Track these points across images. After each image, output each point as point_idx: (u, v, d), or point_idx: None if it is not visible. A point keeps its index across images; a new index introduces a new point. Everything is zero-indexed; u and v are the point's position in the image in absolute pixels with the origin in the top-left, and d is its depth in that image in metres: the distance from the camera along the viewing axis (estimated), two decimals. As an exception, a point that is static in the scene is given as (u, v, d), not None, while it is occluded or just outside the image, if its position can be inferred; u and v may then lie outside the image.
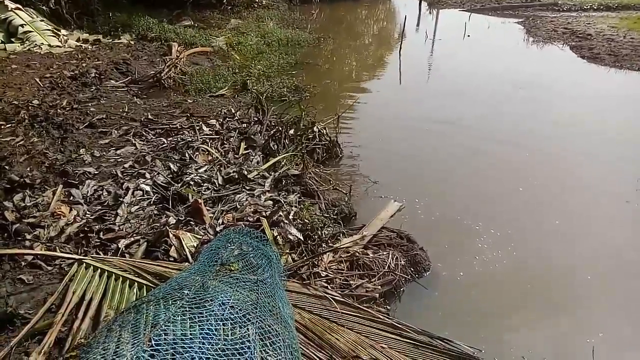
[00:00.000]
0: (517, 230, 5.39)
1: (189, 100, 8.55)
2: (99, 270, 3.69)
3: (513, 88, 10.82)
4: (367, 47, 16.39)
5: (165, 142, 6.41)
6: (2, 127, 6.37)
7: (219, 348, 2.37)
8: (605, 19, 18.99)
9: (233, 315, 2.66)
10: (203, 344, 2.36)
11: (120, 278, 3.62)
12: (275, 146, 6.51)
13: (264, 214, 4.73)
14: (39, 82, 8.35)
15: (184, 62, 10.69)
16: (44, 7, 12.71)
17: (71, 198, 4.84)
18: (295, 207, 5.03)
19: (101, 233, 4.33)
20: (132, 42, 12.47)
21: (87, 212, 4.63)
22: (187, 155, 5.95)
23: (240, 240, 3.81)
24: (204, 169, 5.62)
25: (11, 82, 8.23)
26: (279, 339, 2.62)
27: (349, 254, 4.48)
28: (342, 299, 3.70)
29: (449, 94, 10.42)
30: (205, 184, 5.31)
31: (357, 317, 3.52)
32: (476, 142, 7.79)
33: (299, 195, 5.41)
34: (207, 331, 2.47)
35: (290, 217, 4.75)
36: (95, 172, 5.43)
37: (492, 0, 25.04)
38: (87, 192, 4.99)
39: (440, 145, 7.71)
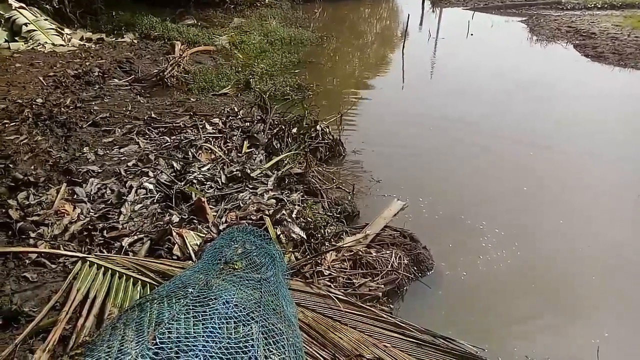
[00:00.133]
0: (521, 229, 5.38)
1: (192, 99, 8.55)
2: (102, 269, 3.71)
3: (516, 87, 10.79)
4: (370, 45, 16.37)
5: (169, 140, 6.41)
6: (7, 125, 6.39)
7: (223, 346, 2.37)
8: (609, 18, 18.91)
9: (237, 313, 2.66)
10: (207, 342, 2.37)
11: (124, 276, 3.63)
12: (278, 145, 6.51)
13: (267, 212, 4.73)
14: (43, 81, 8.37)
15: (187, 61, 10.69)
16: (47, 6, 12.73)
17: (75, 196, 4.85)
18: (298, 205, 5.03)
19: (105, 231, 4.34)
20: (135, 41, 12.48)
21: (91, 211, 4.64)
22: (190, 153, 5.96)
23: (244, 239, 3.81)
24: (207, 167, 5.63)
25: (15, 81, 8.25)
26: (283, 338, 2.62)
27: (352, 253, 4.48)
28: (345, 298, 3.70)
29: (452, 92, 10.39)
30: (209, 183, 5.32)
31: (360, 316, 3.51)
32: (480, 140, 7.77)
33: (301, 193, 5.41)
34: (211, 329, 2.47)
35: (293, 215, 4.76)
36: (99, 171, 5.44)
37: (495, -2, 24.95)
38: (91, 190, 5.00)
39: (443, 143, 7.70)
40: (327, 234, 4.65)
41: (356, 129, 8.11)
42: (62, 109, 7.12)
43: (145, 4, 15.50)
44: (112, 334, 2.55)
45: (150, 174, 5.40)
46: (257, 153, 6.25)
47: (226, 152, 6.18)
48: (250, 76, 9.98)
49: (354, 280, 4.19)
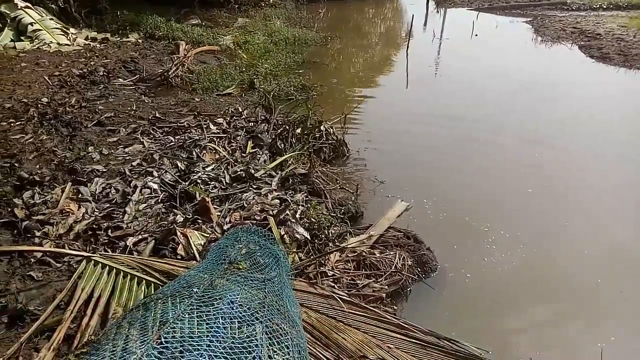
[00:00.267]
0: (526, 231, 5.34)
1: (196, 99, 8.57)
2: (107, 268, 3.72)
3: (521, 87, 10.75)
4: (374, 46, 16.36)
5: (173, 140, 6.43)
6: (12, 124, 6.42)
7: (227, 346, 2.38)
8: (614, 19, 18.82)
9: (241, 313, 2.67)
10: (211, 341, 2.37)
11: (129, 275, 3.65)
12: (282, 145, 6.52)
13: (271, 212, 4.74)
14: (48, 80, 8.41)
15: (191, 61, 10.72)
16: (53, 6, 12.78)
17: (80, 195, 4.87)
18: (302, 206, 5.04)
19: (109, 230, 4.36)
20: (140, 41, 12.51)
21: (96, 210, 4.66)
22: (194, 153, 5.97)
23: (248, 239, 3.82)
24: (211, 167, 5.64)
25: (21, 80, 8.29)
26: (287, 338, 2.63)
27: (356, 254, 4.48)
28: (349, 299, 3.70)
29: (457, 93, 10.37)
30: (213, 183, 5.33)
31: (364, 317, 3.51)
32: (484, 141, 7.76)
33: (305, 194, 5.41)
34: (216, 329, 2.48)
35: (297, 216, 4.76)
36: (104, 170, 5.46)
37: (500, -1, 24.89)
38: (96, 189, 5.02)
39: (447, 144, 7.68)
40: (330, 235, 4.65)
41: (360, 130, 8.11)
42: (67, 108, 7.15)
43: (150, 4, 15.54)
44: (117, 333, 2.56)
45: (155, 173, 5.42)
46: (261, 153, 6.26)
47: (230, 152, 6.19)
48: (255, 76, 9.99)
49: (358, 281, 4.19)
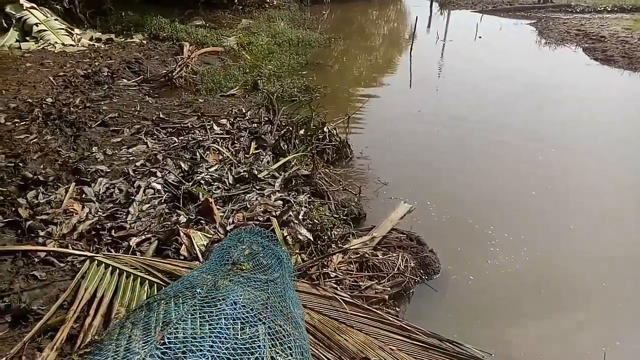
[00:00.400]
0: (530, 234, 5.32)
1: (200, 100, 8.59)
2: (110, 268, 3.73)
3: (525, 90, 10.74)
4: (378, 47, 16.37)
5: (177, 141, 6.44)
6: (17, 124, 6.45)
7: (230, 347, 2.38)
8: (619, 21, 18.78)
9: (244, 314, 2.67)
10: (214, 342, 2.37)
11: (132, 276, 3.65)
12: (286, 146, 6.52)
13: (274, 213, 4.74)
14: (53, 81, 8.45)
15: (195, 62, 10.75)
16: (58, 7, 12.85)
17: (83, 196, 4.88)
18: (305, 207, 5.04)
19: (113, 231, 4.36)
20: (144, 42, 12.56)
21: (99, 210, 4.67)
22: (197, 154, 5.98)
23: (251, 240, 3.82)
24: (214, 168, 5.65)
25: (26, 81, 8.34)
26: (290, 339, 2.63)
27: (359, 255, 4.47)
28: (351, 300, 3.70)
29: (460, 95, 10.37)
30: (216, 183, 5.34)
31: (366, 319, 3.51)
32: (487, 143, 7.75)
33: (308, 195, 5.41)
34: (219, 330, 2.48)
35: (300, 217, 4.76)
36: (107, 170, 5.48)
37: (504, 1, 24.90)
38: (99, 190, 5.03)
39: (451, 146, 7.67)
40: (333, 236, 4.64)
41: (363, 131, 8.11)
42: (72, 108, 7.18)
43: (154, 5, 15.60)
44: (120, 333, 2.57)
45: (158, 174, 5.43)
46: (264, 154, 6.26)
47: (234, 153, 6.19)
48: (258, 77, 10.01)
49: (360, 283, 4.18)
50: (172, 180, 5.29)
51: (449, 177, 6.69)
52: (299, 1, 21.32)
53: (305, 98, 9.09)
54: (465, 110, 9.24)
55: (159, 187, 5.15)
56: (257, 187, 5.32)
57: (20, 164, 5.32)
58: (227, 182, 5.38)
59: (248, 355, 2.39)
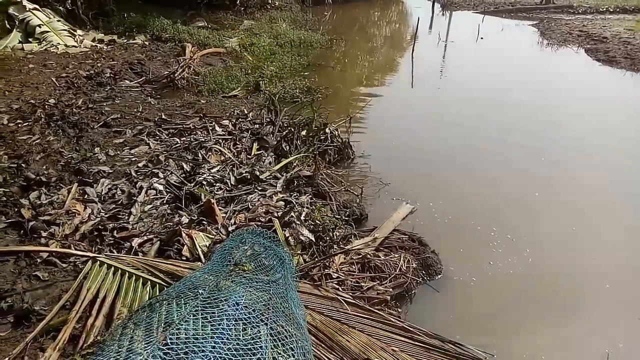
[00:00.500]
0: (533, 236, 5.29)
1: (202, 101, 8.60)
2: (112, 268, 3.73)
3: (527, 91, 10.73)
4: (380, 48, 16.38)
5: (179, 142, 6.46)
6: (20, 125, 6.47)
7: (232, 348, 2.38)
8: (621, 22, 18.76)
9: (246, 315, 2.67)
10: (216, 343, 2.38)
11: (134, 276, 3.66)
12: (287, 147, 6.53)
13: (275, 214, 4.74)
14: (56, 82, 8.47)
15: (197, 63, 10.77)
16: (60, 8, 12.89)
17: (86, 196, 4.90)
18: (307, 208, 5.04)
19: (115, 231, 4.37)
20: (147, 43, 12.59)
21: (102, 211, 4.68)
22: (200, 155, 5.99)
23: (253, 241, 3.82)
24: (216, 169, 5.65)
25: (28, 82, 8.36)
26: (292, 340, 2.63)
27: (361, 256, 4.47)
28: (353, 301, 3.69)
29: (462, 96, 10.36)
30: (218, 184, 5.34)
31: (368, 319, 3.50)
32: (490, 144, 7.73)
33: (310, 196, 5.41)
34: (221, 331, 2.48)
35: (302, 218, 4.76)
36: (110, 171, 5.49)
37: (506, 2, 24.89)
38: (102, 190, 5.04)
39: (453, 147, 7.66)
40: (335, 237, 4.64)
41: (365, 132, 8.11)
42: (74, 109, 7.20)
43: (156, 6, 15.64)
44: (123, 333, 2.57)
45: (160, 175, 5.44)
46: (266, 155, 6.27)
47: (235, 153, 6.20)
48: (260, 78, 10.02)
49: (362, 284, 4.18)
50: (174, 181, 5.30)
51: (451, 178, 6.68)
52: (300, 2, 21.35)
53: (307, 99, 9.09)
54: (467, 111, 9.23)
55: (161, 188, 5.16)
56: (259, 188, 5.33)
57: (22, 165, 5.33)
58: (229, 183, 5.38)
59: (250, 356, 2.39)
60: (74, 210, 4.59)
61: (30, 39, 11.15)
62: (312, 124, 6.96)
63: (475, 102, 9.87)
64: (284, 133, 6.79)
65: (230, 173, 5.56)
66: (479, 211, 5.76)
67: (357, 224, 5.24)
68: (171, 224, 4.54)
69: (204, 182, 5.32)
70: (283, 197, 5.20)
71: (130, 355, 2.32)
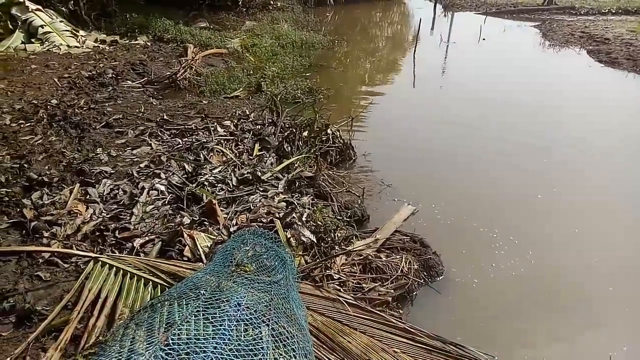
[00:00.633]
0: (535, 238, 5.28)
1: (204, 101, 8.62)
2: (114, 269, 3.73)
3: (529, 92, 10.72)
4: (381, 49, 16.37)
5: (180, 142, 6.47)
6: (22, 126, 6.49)
7: (234, 348, 2.38)
8: (623, 23, 18.74)
9: (248, 316, 2.67)
10: (218, 343, 2.38)
11: (135, 277, 3.66)
12: (289, 148, 6.53)
13: (277, 215, 4.74)
14: (58, 82, 8.49)
15: (199, 64, 10.79)
16: (63, 9, 12.93)
17: (88, 197, 4.91)
18: (309, 209, 5.04)
19: (117, 232, 4.38)
20: (149, 43, 12.62)
21: (103, 211, 4.69)
22: (201, 155, 6.00)
23: (254, 242, 3.82)
24: (218, 169, 5.66)
25: (31, 82, 8.38)
26: (293, 341, 2.63)
27: (362, 257, 4.47)
28: (354, 302, 3.69)
29: (464, 97, 10.35)
30: (220, 185, 5.35)
31: (370, 321, 3.50)
32: (492, 145, 7.73)
33: (312, 197, 5.41)
34: (223, 331, 2.48)
35: (304, 218, 4.76)
36: (112, 172, 5.50)
37: (508, 3, 24.88)
38: (104, 191, 5.05)
39: (455, 148, 7.65)
40: (337, 238, 4.64)
41: (367, 133, 8.10)
42: (76, 110, 7.22)
43: (158, 7, 15.67)
44: (124, 334, 2.57)
45: (162, 175, 5.45)
46: (268, 156, 6.27)
47: (237, 154, 6.21)
48: (262, 79, 10.04)
49: (364, 285, 4.18)
50: (176, 182, 5.30)
51: (453, 179, 6.67)
52: (302, 3, 21.36)
53: (309, 100, 9.11)
54: (469, 112, 9.22)
55: (162, 188, 5.17)
56: (261, 189, 5.33)
57: (25, 165, 5.35)
58: (230, 184, 5.39)
59: (251, 356, 2.39)
60: (76, 211, 4.60)
61: (32, 40, 11.18)
62: (313, 125, 6.96)
63: (477, 103, 9.87)
64: (286, 134, 6.79)
65: (232, 174, 5.56)
66: (480, 212, 5.75)
67: (358, 225, 5.24)
68: (173, 224, 4.55)
69: (206, 183, 5.32)
70: (284, 198, 5.20)
71: (132, 355, 2.32)
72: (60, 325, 3.23)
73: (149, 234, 4.37)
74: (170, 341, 2.33)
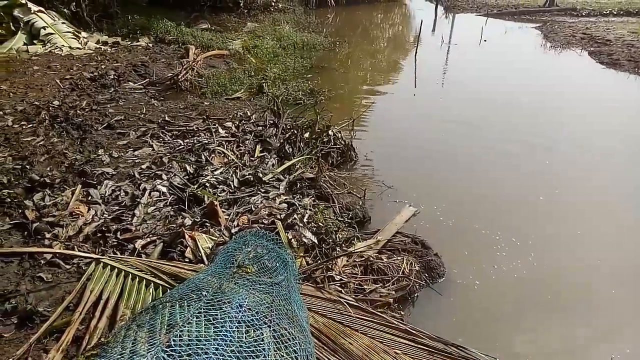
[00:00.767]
0: (537, 239, 5.26)
1: (205, 103, 8.63)
2: (116, 270, 3.74)
3: (530, 94, 10.72)
4: (383, 51, 16.38)
5: (182, 143, 6.48)
6: (24, 127, 6.50)
7: (235, 350, 2.38)
8: (625, 25, 18.72)
9: (249, 317, 2.67)
10: (219, 345, 2.38)
11: (137, 278, 3.66)
12: (291, 149, 6.54)
13: (278, 216, 4.75)
14: (60, 83, 8.51)
15: (200, 65, 10.80)
16: (65, 10, 12.97)
17: (89, 198, 4.91)
18: (310, 210, 5.04)
19: (118, 233, 4.38)
20: (150, 45, 12.64)
21: (105, 212, 4.70)
22: (203, 157, 6.01)
23: (256, 243, 3.82)
24: (219, 171, 5.66)
25: (33, 83, 8.40)
26: (295, 342, 2.63)
27: (363, 259, 4.47)
28: (356, 303, 3.69)
29: (465, 98, 10.35)
30: (221, 186, 5.35)
31: (371, 322, 3.49)
32: (493, 147, 7.73)
33: (313, 198, 5.42)
34: (224, 333, 2.48)
35: (305, 220, 4.76)
36: (113, 173, 5.51)
37: (509, 5, 24.88)
38: (105, 192, 5.06)
39: (456, 149, 7.65)
40: (338, 239, 4.64)
41: (368, 134, 8.11)
42: (78, 111, 7.24)
43: (160, 9, 15.70)
44: (126, 335, 2.58)
45: (164, 176, 5.45)
46: (269, 157, 6.28)
47: (239, 155, 6.21)
48: (263, 80, 10.04)
49: (365, 286, 4.18)
50: (178, 183, 5.31)
51: (455, 180, 6.66)
52: (304, 5, 21.39)
53: (310, 101, 9.12)
54: (470, 114, 9.22)
55: (164, 189, 5.17)
56: (262, 190, 5.33)
57: (27, 166, 5.35)
58: (232, 185, 5.39)
59: (253, 358, 2.39)
60: (78, 212, 4.60)
61: (35, 41, 11.21)
62: (315, 126, 6.96)
63: (478, 104, 9.86)
64: (287, 135, 6.79)
65: (234, 175, 5.57)
66: (482, 213, 5.75)
67: (360, 227, 5.24)
68: (174, 225, 4.55)
69: (207, 184, 5.33)
70: (286, 199, 5.21)
71: (134, 357, 2.32)
72: (61, 327, 3.23)
73: (151, 235, 4.37)
74: (172, 342, 2.33)
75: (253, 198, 5.14)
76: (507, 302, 4.47)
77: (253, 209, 4.95)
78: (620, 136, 8.23)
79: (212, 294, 2.83)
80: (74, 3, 13.27)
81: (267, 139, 6.69)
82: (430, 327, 3.59)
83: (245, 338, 2.54)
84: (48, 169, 5.44)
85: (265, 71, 10.94)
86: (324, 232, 4.63)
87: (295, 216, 4.73)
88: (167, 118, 7.48)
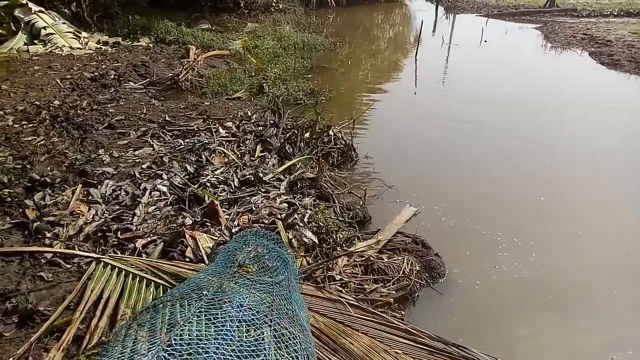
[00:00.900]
0: (538, 240, 5.25)
1: (206, 103, 8.63)
2: (116, 269, 3.74)
3: (531, 94, 10.71)
4: (383, 51, 16.38)
5: (182, 143, 6.48)
6: (24, 127, 6.51)
7: (235, 349, 2.38)
8: (625, 25, 18.72)
9: (250, 317, 2.67)
10: (220, 344, 2.38)
11: (137, 277, 3.66)
12: (291, 149, 6.54)
13: (279, 216, 4.75)
14: (60, 83, 8.52)
15: (201, 65, 10.81)
16: (65, 10, 12.99)
17: (90, 197, 4.91)
18: (310, 210, 5.04)
19: (119, 232, 4.38)
20: (151, 45, 12.65)
21: (105, 212, 4.70)
22: (203, 156, 6.01)
23: (256, 242, 3.82)
24: (220, 170, 5.66)
25: (33, 83, 8.41)
26: (295, 342, 2.63)
27: (364, 258, 4.47)
28: (356, 303, 3.69)
29: (465, 99, 10.35)
30: (222, 186, 5.35)
31: (371, 322, 3.49)
32: (494, 147, 7.72)
33: (314, 198, 5.42)
34: (225, 332, 2.48)
35: (305, 220, 4.76)
36: (114, 172, 5.51)
37: (509, 5, 24.89)
38: (106, 191, 5.06)
39: (457, 150, 7.64)
40: (338, 239, 4.64)
41: (369, 134, 8.11)
42: (79, 111, 7.24)
43: (160, 9, 15.71)
44: (127, 334, 2.58)
45: (164, 176, 5.46)
46: (269, 157, 6.28)
47: (239, 155, 6.22)
48: (264, 81, 10.05)
49: (366, 286, 4.17)
50: (178, 183, 5.31)
51: (456, 180, 6.65)
52: (304, 5, 21.40)
53: (311, 101, 9.12)
54: (471, 114, 9.21)
55: (164, 189, 5.17)
56: (263, 190, 5.33)
57: (27, 166, 5.36)
58: (232, 185, 5.39)
59: (254, 357, 2.39)
60: (78, 211, 4.61)
61: (35, 41, 11.23)
62: (315, 126, 6.96)
63: (478, 104, 9.86)
64: (288, 135, 6.79)
65: (234, 175, 5.57)
66: (483, 213, 5.74)
67: (360, 226, 5.24)
68: (175, 225, 4.55)
69: (208, 184, 5.33)
70: (286, 199, 5.20)
71: (134, 356, 2.32)
72: (62, 326, 3.23)
73: (151, 235, 4.37)
74: (173, 342, 2.33)
75: (253, 198, 5.14)
76: (508, 302, 4.46)
77: (253, 208, 4.95)
78: (620, 136, 8.22)
79: (213, 294, 2.83)
80: (75, 3, 13.29)
81: (268, 139, 6.69)
82: (430, 327, 3.59)
83: (246, 337, 2.54)
84: (48, 168, 5.44)
85: (266, 71, 10.94)
86: (325, 232, 4.63)
87: (295, 216, 4.73)
88: (167, 118, 7.49)
